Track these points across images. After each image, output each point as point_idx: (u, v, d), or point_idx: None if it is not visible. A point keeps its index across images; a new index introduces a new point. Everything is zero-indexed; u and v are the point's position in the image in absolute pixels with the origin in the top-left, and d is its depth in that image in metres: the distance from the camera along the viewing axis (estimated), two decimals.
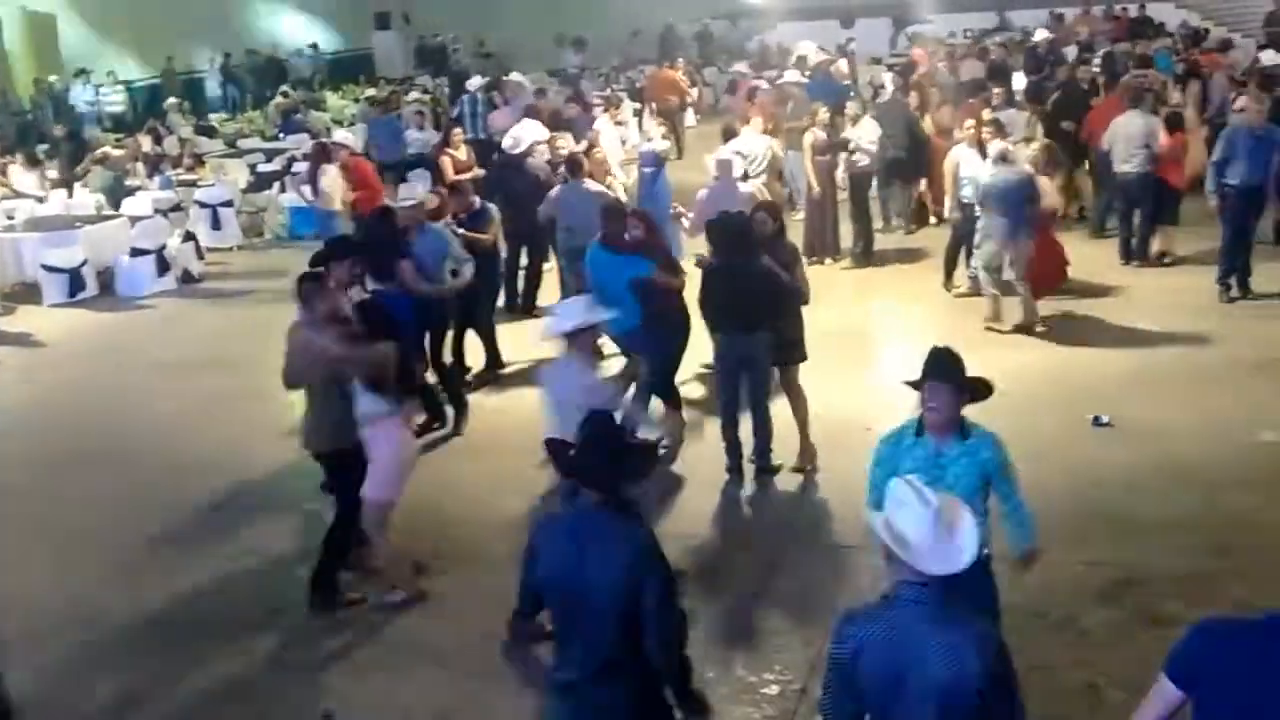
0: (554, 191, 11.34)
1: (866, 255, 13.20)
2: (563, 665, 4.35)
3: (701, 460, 8.48)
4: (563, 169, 11.84)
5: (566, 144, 12.95)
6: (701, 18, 27.16)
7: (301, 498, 8.25)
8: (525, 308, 12.14)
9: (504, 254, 11.50)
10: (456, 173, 13.06)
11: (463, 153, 13.68)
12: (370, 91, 23.18)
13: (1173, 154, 12.27)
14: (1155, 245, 12.57)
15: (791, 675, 6.02)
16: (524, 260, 12.27)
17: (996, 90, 14.57)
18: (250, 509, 8.36)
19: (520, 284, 12.25)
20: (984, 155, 11.05)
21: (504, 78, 19.48)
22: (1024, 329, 10.57)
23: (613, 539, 4.17)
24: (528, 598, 4.42)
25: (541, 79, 22.74)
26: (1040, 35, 21.22)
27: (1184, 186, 12.43)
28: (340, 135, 14.88)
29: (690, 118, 21.09)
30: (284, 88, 25.00)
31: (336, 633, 6.69)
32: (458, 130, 14.19)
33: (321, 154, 13.92)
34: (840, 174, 13.31)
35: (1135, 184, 12.46)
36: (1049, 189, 11.02)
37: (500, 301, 11.38)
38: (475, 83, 19.28)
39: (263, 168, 18.53)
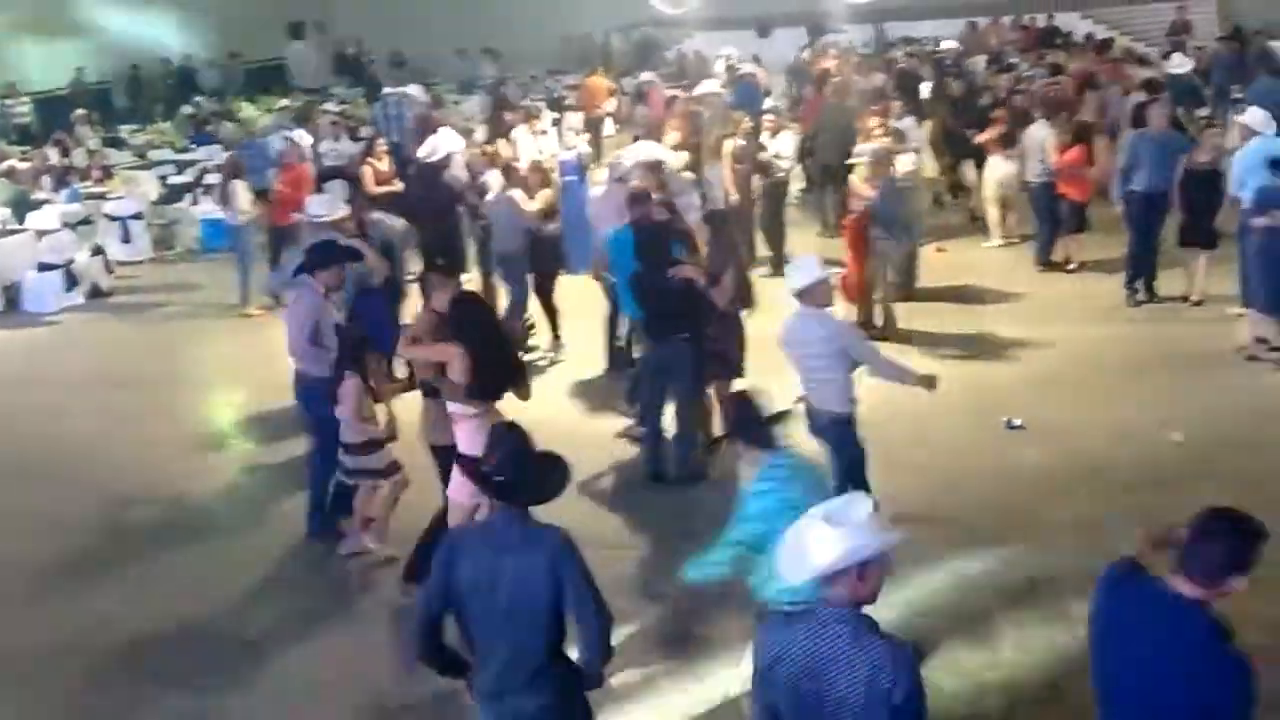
0: (489, 198, 11.38)
1: (780, 263, 13.28)
2: (485, 676, 4.33)
3: (627, 467, 8.49)
4: (483, 178, 11.80)
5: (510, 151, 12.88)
6: (620, 26, 27.21)
7: (213, 519, 8.11)
8: None
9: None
10: (378, 183, 12.96)
11: (385, 163, 13.53)
12: (284, 102, 22.87)
13: (1074, 166, 12.46)
14: (1061, 253, 12.79)
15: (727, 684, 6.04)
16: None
17: (895, 101, 14.79)
18: (161, 531, 8.19)
19: None
20: None
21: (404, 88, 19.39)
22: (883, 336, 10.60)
23: (529, 542, 4.21)
24: (436, 613, 4.35)
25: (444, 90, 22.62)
26: (947, 45, 21.54)
27: (1083, 198, 12.59)
28: (296, 134, 14.65)
29: (609, 127, 21.11)
30: (197, 99, 24.60)
31: (256, 656, 6.58)
32: (381, 140, 14.02)
33: (233, 167, 13.71)
34: (757, 182, 13.39)
35: (1036, 193, 12.79)
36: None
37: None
38: (412, 89, 19.34)
39: (174, 179, 18.20)
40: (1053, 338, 10.65)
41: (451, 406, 6.51)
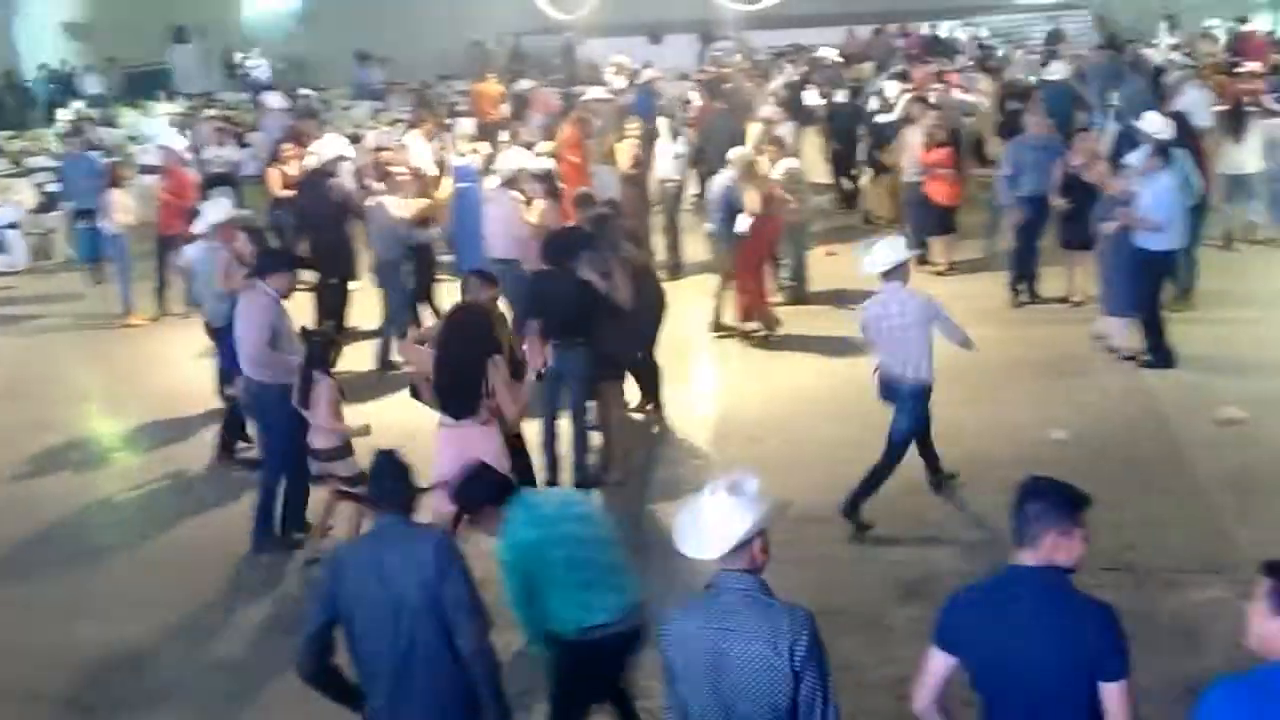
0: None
1: (677, 268, 13.36)
2: (377, 695, 4.29)
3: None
4: (373, 185, 11.70)
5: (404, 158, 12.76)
6: (513, 32, 27.11)
7: (93, 538, 7.89)
8: (335, 329, 11.84)
9: None
10: (285, 188, 12.77)
11: (294, 168, 13.31)
12: (169, 107, 22.35)
13: (939, 167, 12.71)
14: (935, 254, 13.06)
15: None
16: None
17: (777, 108, 15.05)
18: (37, 551, 7.93)
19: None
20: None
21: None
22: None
23: (410, 545, 4.24)
24: (322, 626, 4.31)
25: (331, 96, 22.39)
26: (825, 52, 21.88)
27: (946, 200, 12.81)
28: (171, 140, 14.31)
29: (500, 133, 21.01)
30: (76, 104, 23.90)
31: (127, 677, 6.42)
32: (288, 145, 13.77)
33: (111, 174, 13.37)
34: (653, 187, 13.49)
35: (907, 193, 13.27)
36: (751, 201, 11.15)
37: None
38: (307, 92, 19.28)
39: (52, 187, 17.64)
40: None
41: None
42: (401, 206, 10.79)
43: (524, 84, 19.65)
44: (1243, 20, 23.02)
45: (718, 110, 15.51)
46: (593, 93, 16.74)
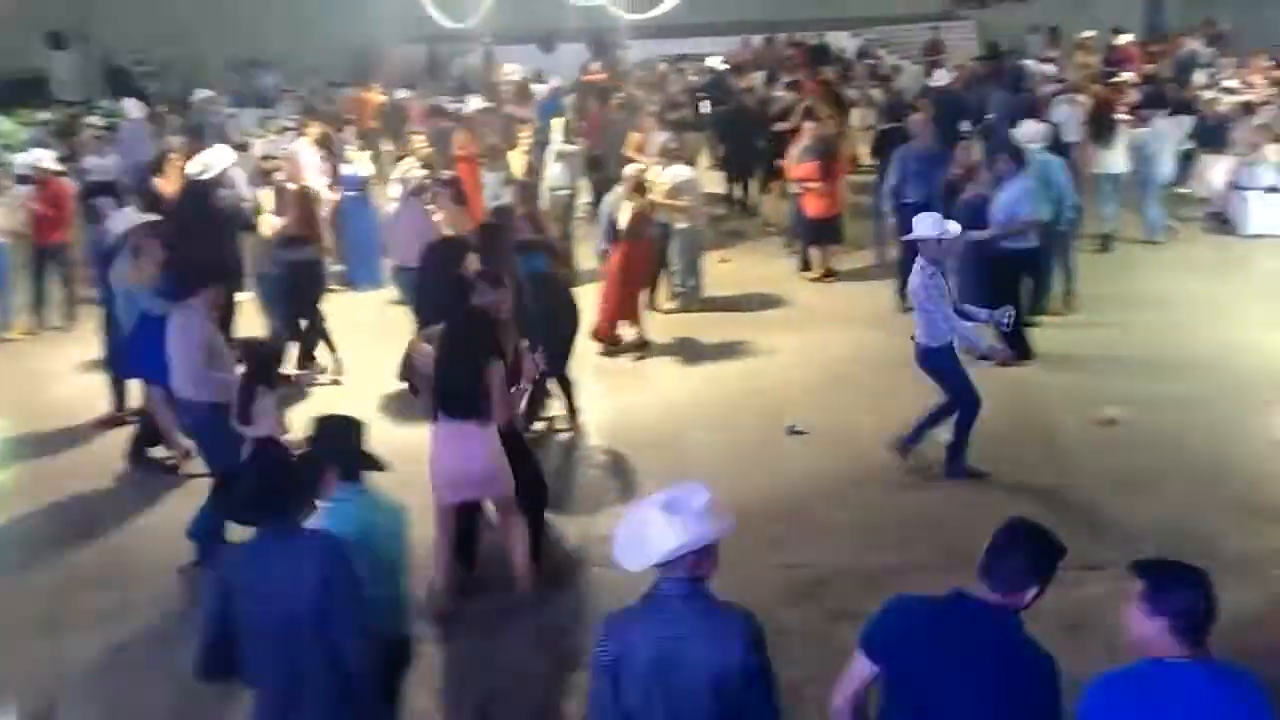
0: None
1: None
2: (264, 707, 4.23)
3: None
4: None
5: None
6: (403, 39, 26.81)
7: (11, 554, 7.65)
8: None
9: None
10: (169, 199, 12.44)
11: (176, 178, 12.95)
12: (44, 115, 21.66)
13: (807, 181, 12.93)
14: (818, 263, 13.25)
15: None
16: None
17: (673, 115, 15.20)
18: None
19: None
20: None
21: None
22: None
23: (299, 552, 4.13)
24: (220, 643, 4.20)
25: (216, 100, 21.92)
26: (713, 61, 22.11)
27: (817, 212, 12.97)
28: (36, 155, 13.84)
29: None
30: None
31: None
32: (174, 154, 13.43)
33: None
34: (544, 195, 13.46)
35: (790, 204, 13.57)
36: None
37: None
38: (201, 94, 18.98)
39: None
40: (830, 344, 11.04)
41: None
42: (272, 224, 10.59)
43: (402, 93, 19.52)
44: (1117, 31, 23.77)
45: (613, 119, 15.56)
46: (473, 103, 16.69)
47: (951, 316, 8.01)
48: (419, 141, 14.06)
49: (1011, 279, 10.18)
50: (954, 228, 8.19)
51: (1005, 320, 8.18)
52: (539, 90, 19.31)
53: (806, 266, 13.33)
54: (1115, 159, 13.58)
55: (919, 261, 8.13)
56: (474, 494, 6.77)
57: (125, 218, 9.39)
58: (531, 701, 6.10)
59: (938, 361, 8.15)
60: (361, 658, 4.11)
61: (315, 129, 14.79)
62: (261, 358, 7.19)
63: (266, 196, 11.39)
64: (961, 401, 8.17)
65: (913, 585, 6.49)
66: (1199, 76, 20.29)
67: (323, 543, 4.19)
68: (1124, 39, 23.21)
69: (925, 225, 8.09)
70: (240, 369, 7.21)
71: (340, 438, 4.92)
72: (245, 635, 4.13)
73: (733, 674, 3.53)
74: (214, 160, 11.79)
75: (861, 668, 3.70)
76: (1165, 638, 3.34)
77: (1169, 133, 14.80)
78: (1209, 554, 6.09)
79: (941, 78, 17.88)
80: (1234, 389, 9.45)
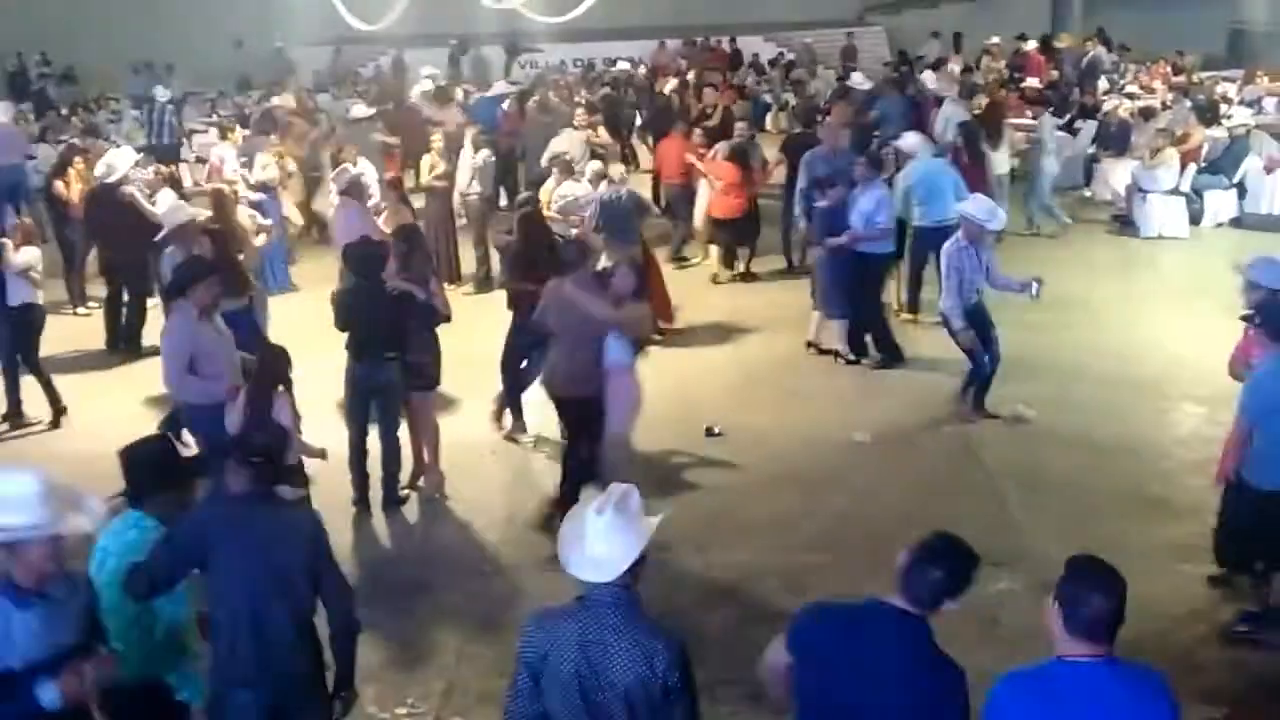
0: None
1: (487, 281, 13.29)
2: (228, 674, 4.44)
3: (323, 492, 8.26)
4: (156, 197, 11.37)
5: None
6: (313, 42, 26.48)
7: None
8: (129, 347, 11.39)
9: None
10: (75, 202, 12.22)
11: (79, 181, 12.67)
12: None
13: (713, 183, 13.09)
14: (729, 264, 13.40)
15: (424, 707, 6.00)
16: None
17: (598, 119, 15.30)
18: None
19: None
20: None
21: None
22: None
23: (270, 520, 4.51)
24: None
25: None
26: (623, 65, 22.24)
27: (724, 213, 13.07)
28: None
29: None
30: None
31: None
32: (79, 158, 13.13)
33: None
34: (457, 200, 13.40)
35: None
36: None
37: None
38: (161, 92, 18.71)
39: None
40: (748, 347, 11.13)
41: (617, 356, 7.33)
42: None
43: (276, 100, 19.34)
44: (1023, 38, 24.30)
45: (536, 123, 15.56)
46: (357, 110, 16.59)
47: (974, 282, 8.89)
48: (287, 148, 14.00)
49: (871, 282, 10.53)
50: (1003, 218, 9.23)
51: (1034, 289, 9.03)
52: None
53: (730, 265, 13.44)
54: (1001, 159, 13.99)
55: (955, 235, 8.99)
56: None
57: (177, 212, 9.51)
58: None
59: (947, 325, 9.06)
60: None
61: (236, 132, 14.61)
62: (272, 359, 7.06)
63: (166, 197, 11.27)
64: (973, 359, 9.11)
65: (831, 586, 6.62)
66: (1102, 82, 20.86)
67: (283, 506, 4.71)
68: (1029, 45, 23.74)
69: (977, 207, 9.01)
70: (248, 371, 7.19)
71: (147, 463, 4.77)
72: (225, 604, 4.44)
73: (653, 690, 3.54)
74: (118, 162, 11.57)
75: (783, 656, 3.73)
76: (1072, 637, 3.39)
77: (1052, 132, 15.40)
78: (1114, 549, 6.23)
79: (860, 82, 18.15)
80: (1138, 388, 9.69)
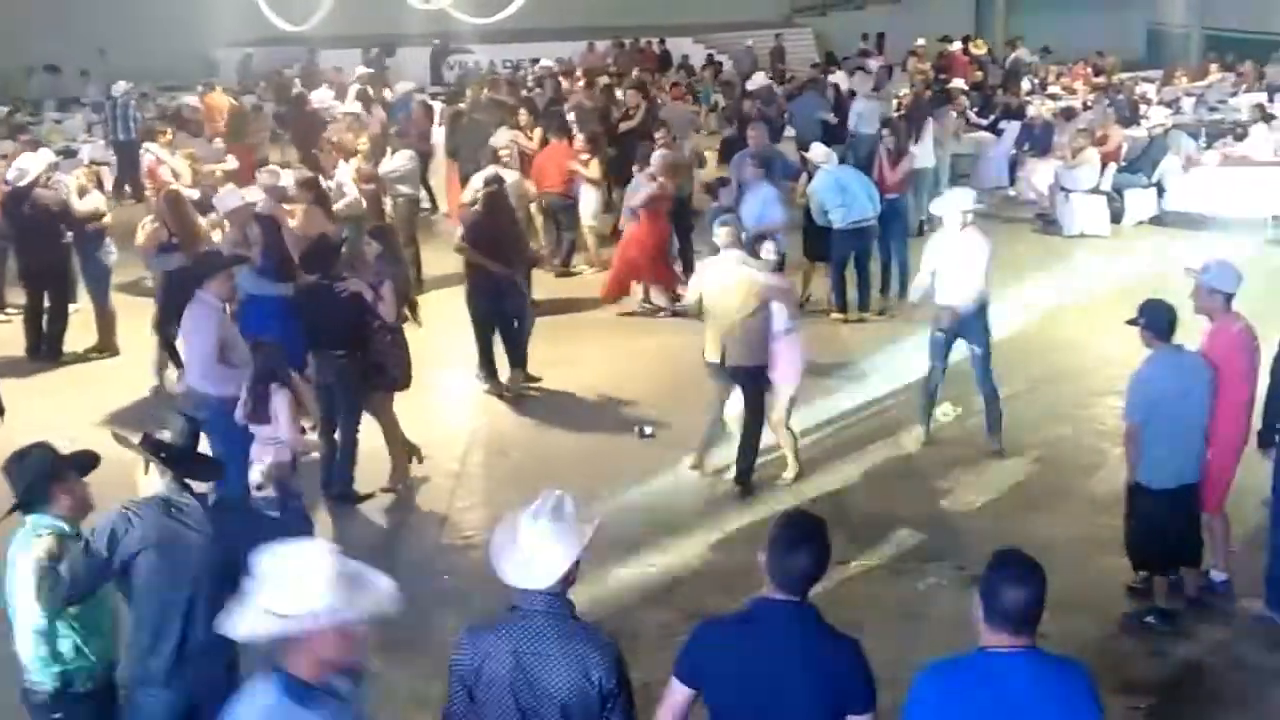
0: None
1: (418, 281, 13.19)
2: (163, 654, 4.47)
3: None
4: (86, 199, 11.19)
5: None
6: (239, 43, 26.15)
7: None
8: (50, 354, 11.15)
9: None
10: None
11: None
12: None
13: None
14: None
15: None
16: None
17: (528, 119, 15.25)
18: None
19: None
20: None
21: None
22: None
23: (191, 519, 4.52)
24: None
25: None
26: (547, 64, 22.22)
27: None
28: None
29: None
30: None
31: None
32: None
33: None
34: (387, 202, 13.30)
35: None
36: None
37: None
38: (120, 87, 18.44)
39: None
40: (674, 346, 11.09)
41: (783, 324, 8.00)
42: (145, 230, 10.12)
43: (189, 99, 19.15)
44: (947, 40, 24.64)
45: (468, 123, 15.49)
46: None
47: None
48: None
49: None
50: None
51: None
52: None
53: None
54: (924, 154, 14.31)
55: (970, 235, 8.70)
56: None
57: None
58: None
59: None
60: None
61: (168, 134, 14.35)
62: (272, 356, 7.00)
63: (95, 199, 11.10)
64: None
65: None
66: (1025, 83, 21.20)
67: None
68: (954, 47, 24.08)
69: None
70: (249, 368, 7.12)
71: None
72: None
73: (589, 697, 3.52)
74: (30, 165, 11.31)
75: (676, 695, 3.70)
76: (992, 628, 3.44)
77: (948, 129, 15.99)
78: (1040, 543, 6.37)
79: (845, 81, 18.34)
80: (1063, 383, 9.87)
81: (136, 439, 4.75)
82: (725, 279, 8.12)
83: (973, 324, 8.57)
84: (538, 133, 14.69)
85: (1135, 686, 5.95)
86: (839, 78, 18.68)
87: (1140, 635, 6.40)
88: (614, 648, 3.61)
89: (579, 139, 13.86)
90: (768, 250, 8.70)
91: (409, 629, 6.65)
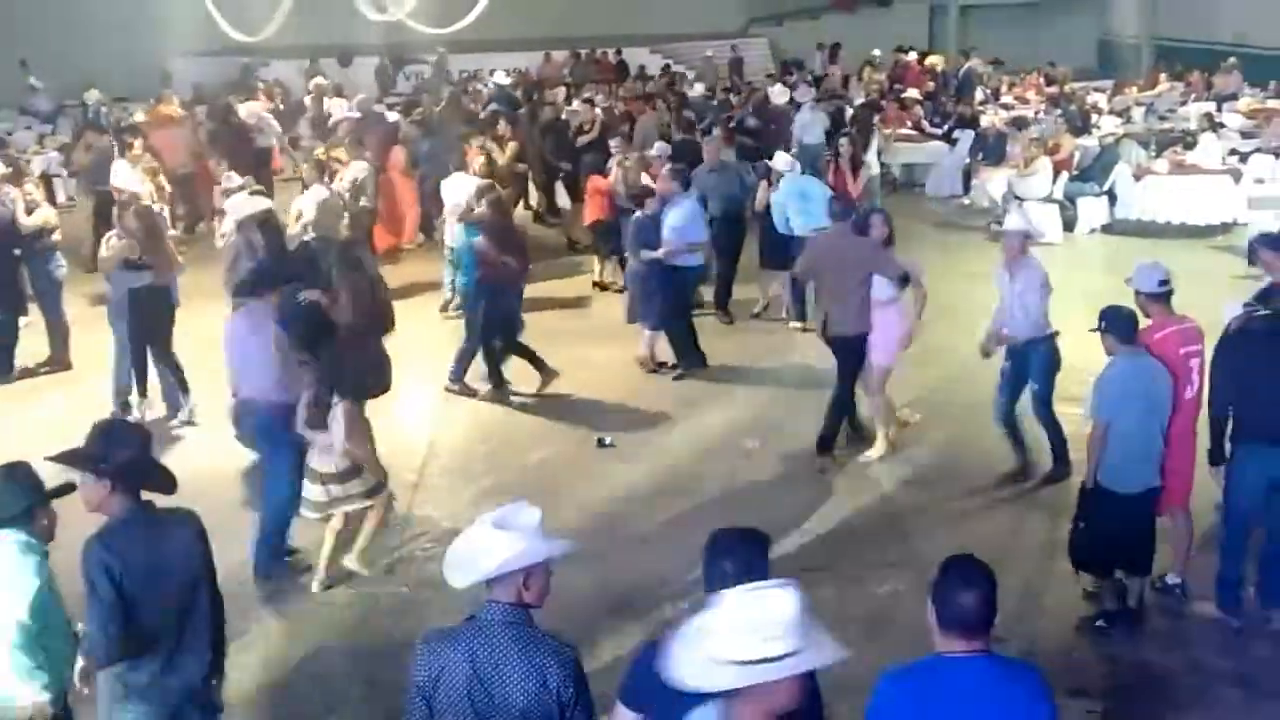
0: None
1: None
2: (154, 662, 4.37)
3: None
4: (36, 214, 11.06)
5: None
6: (194, 53, 25.85)
7: None
8: (1, 368, 10.99)
9: None
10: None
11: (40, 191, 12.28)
12: None
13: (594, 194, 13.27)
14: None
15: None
16: None
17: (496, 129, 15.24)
18: None
19: None
20: None
21: None
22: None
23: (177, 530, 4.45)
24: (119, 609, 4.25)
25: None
26: (500, 77, 22.24)
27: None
28: None
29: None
30: None
31: None
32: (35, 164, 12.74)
33: None
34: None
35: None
36: None
37: None
38: (93, 95, 18.86)
39: None
40: (633, 357, 11.13)
41: (884, 293, 8.39)
42: (110, 245, 9.80)
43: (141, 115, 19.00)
44: (903, 50, 24.84)
45: (431, 134, 15.48)
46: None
47: None
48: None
49: (680, 294, 10.79)
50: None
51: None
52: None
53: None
54: (871, 160, 14.49)
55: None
56: None
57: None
58: None
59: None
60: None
61: (134, 147, 14.09)
62: (335, 363, 7.13)
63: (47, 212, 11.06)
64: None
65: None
66: (979, 93, 21.42)
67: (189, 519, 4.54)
68: (909, 57, 24.27)
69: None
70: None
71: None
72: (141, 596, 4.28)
73: (549, 706, 3.51)
74: None
75: (625, 716, 3.71)
76: (945, 633, 3.49)
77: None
78: (996, 549, 6.45)
79: (779, 94, 18.35)
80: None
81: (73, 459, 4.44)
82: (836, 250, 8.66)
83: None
84: (512, 146, 14.57)
85: (1090, 690, 6.01)
86: (775, 90, 18.68)
87: (1095, 639, 6.46)
88: (573, 657, 3.60)
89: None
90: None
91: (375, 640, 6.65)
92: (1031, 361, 8.26)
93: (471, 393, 10.22)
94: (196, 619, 4.47)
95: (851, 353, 8.58)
